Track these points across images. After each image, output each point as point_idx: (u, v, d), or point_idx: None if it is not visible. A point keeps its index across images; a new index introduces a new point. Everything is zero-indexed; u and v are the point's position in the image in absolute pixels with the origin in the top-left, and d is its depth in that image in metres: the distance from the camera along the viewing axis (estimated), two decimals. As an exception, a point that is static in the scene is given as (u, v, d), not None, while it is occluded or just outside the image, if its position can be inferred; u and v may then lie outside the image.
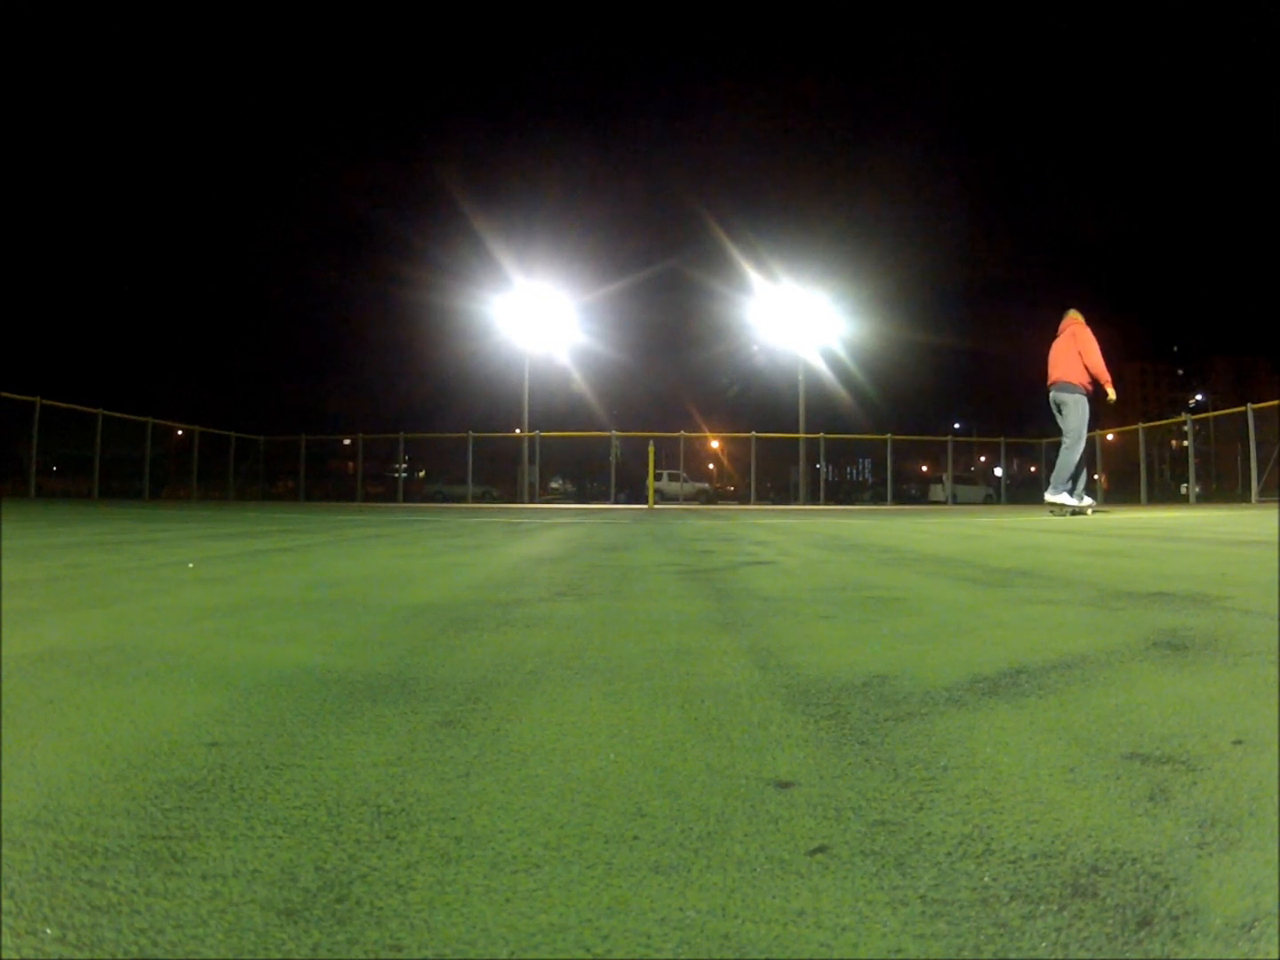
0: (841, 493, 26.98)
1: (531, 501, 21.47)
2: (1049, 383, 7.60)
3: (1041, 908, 0.48)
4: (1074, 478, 7.33)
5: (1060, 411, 7.53)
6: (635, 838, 0.58)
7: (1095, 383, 7.44)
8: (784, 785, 0.67)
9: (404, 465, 23.53)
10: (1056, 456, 7.53)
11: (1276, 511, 7.27)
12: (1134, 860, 0.53)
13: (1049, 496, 7.44)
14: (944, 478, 24.39)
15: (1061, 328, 7.69)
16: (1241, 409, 15.75)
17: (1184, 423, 17.64)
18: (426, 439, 24.18)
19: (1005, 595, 1.78)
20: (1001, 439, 25.13)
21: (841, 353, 26.40)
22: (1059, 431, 7.58)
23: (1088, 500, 7.55)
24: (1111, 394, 7.44)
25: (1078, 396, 7.37)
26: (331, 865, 0.54)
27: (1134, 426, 19.81)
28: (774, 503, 23.06)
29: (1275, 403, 14.77)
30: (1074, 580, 2.05)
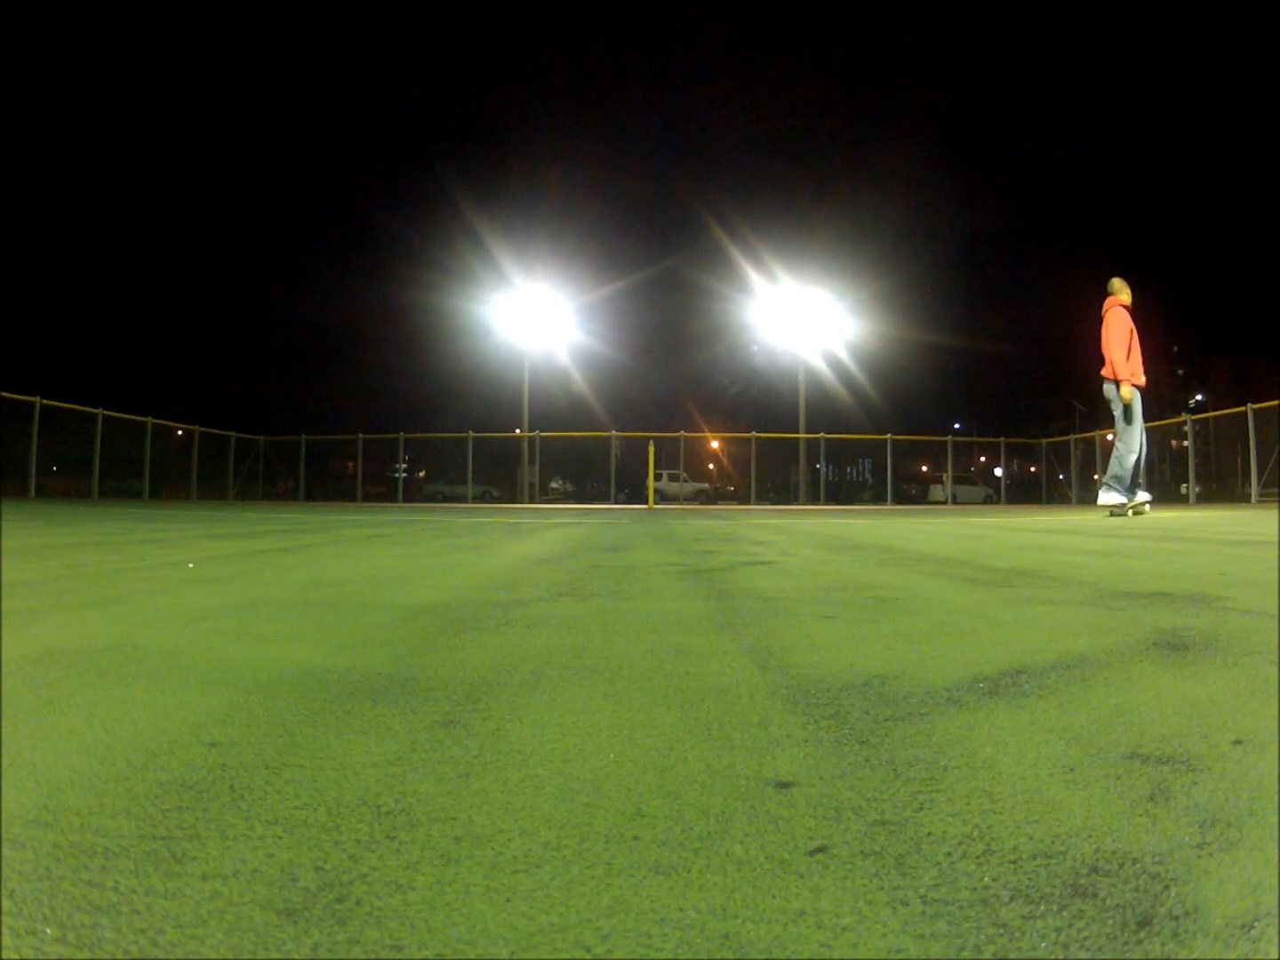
0: (841, 493, 26.96)
1: (531, 501, 21.48)
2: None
3: (1041, 908, 0.48)
4: (1124, 476, 6.97)
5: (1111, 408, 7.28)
6: (635, 838, 0.58)
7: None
8: (784, 785, 0.67)
9: (404, 465, 23.54)
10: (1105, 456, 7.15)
11: (1276, 511, 7.27)
12: (1134, 860, 0.53)
13: (1100, 498, 7.19)
14: (944, 478, 24.40)
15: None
16: (1241, 409, 15.74)
17: (1184, 423, 17.64)
18: (426, 439, 24.19)
19: (1005, 595, 1.78)
20: (1001, 439, 25.14)
21: (842, 352, 26.43)
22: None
23: (1142, 496, 7.12)
24: (1124, 392, 6.99)
25: (1111, 387, 7.12)
26: (331, 865, 0.54)
27: (1134, 426, 19.77)
28: (774, 503, 23.06)
29: (1275, 403, 14.77)
30: (1074, 580, 2.05)
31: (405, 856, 0.55)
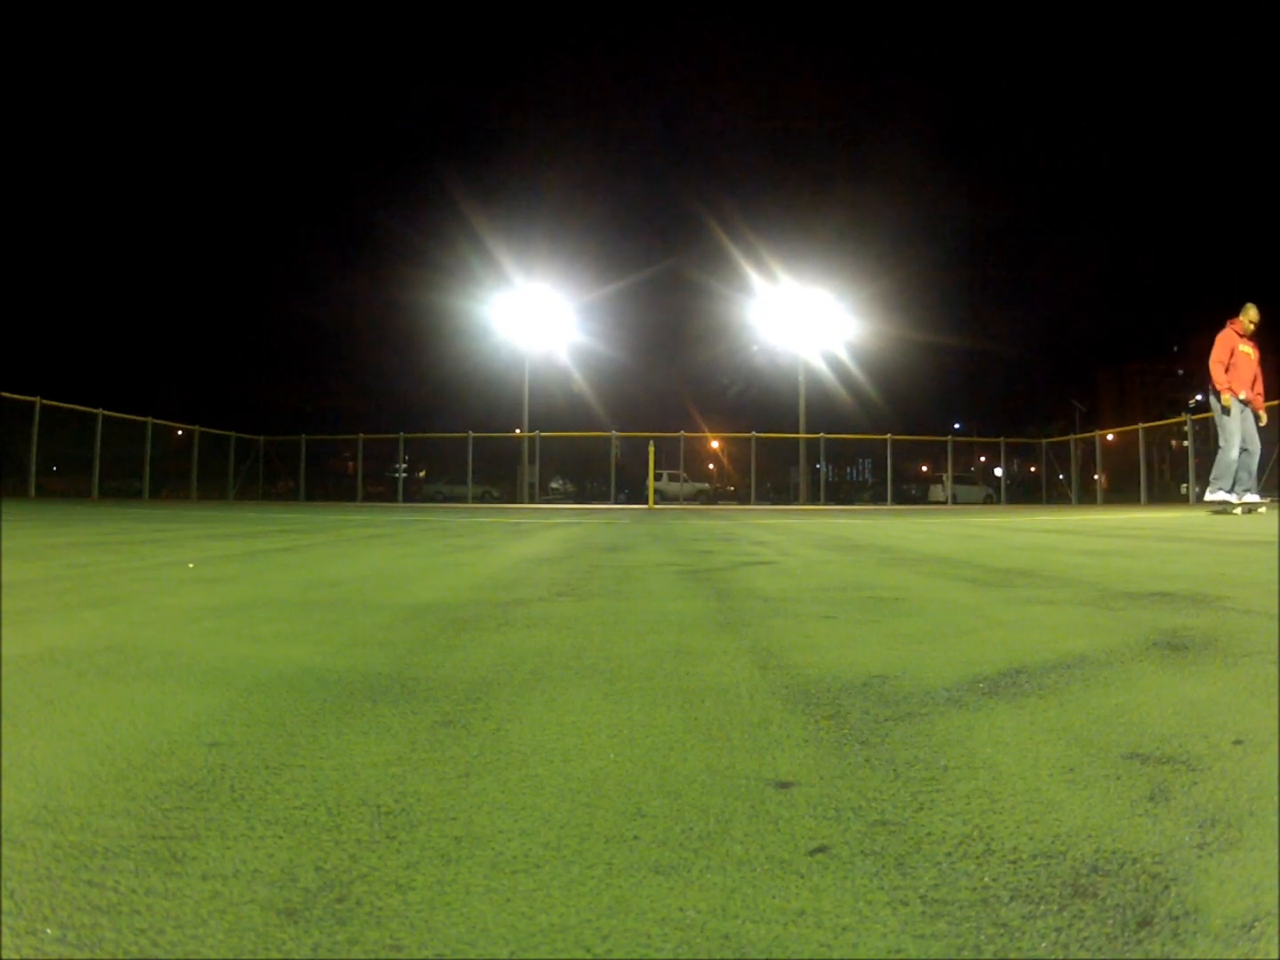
0: (841, 493, 26.95)
1: (531, 502, 21.48)
2: None
3: (1041, 908, 0.48)
4: (1229, 476, 7.48)
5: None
6: (635, 838, 0.58)
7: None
8: (784, 785, 0.67)
9: (404, 465, 23.53)
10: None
11: (1276, 511, 7.28)
12: (1134, 860, 0.53)
13: (1206, 496, 7.71)
14: (944, 478, 24.39)
15: None
16: (1241, 409, 15.72)
17: (1184, 423, 17.62)
18: (426, 439, 24.19)
19: (1005, 595, 1.78)
20: (1001, 439, 25.13)
21: (841, 352, 26.41)
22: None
23: (1252, 498, 7.59)
24: (1224, 400, 7.59)
25: (1214, 400, 7.75)
26: (331, 865, 0.54)
27: (1134, 426, 19.80)
28: (774, 503, 23.04)
29: (1275, 403, 14.78)
30: (1074, 580, 2.05)
31: (405, 856, 0.55)
